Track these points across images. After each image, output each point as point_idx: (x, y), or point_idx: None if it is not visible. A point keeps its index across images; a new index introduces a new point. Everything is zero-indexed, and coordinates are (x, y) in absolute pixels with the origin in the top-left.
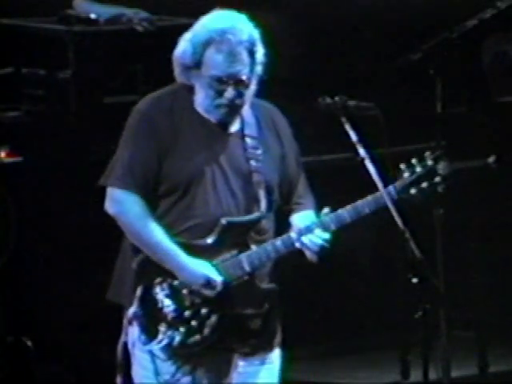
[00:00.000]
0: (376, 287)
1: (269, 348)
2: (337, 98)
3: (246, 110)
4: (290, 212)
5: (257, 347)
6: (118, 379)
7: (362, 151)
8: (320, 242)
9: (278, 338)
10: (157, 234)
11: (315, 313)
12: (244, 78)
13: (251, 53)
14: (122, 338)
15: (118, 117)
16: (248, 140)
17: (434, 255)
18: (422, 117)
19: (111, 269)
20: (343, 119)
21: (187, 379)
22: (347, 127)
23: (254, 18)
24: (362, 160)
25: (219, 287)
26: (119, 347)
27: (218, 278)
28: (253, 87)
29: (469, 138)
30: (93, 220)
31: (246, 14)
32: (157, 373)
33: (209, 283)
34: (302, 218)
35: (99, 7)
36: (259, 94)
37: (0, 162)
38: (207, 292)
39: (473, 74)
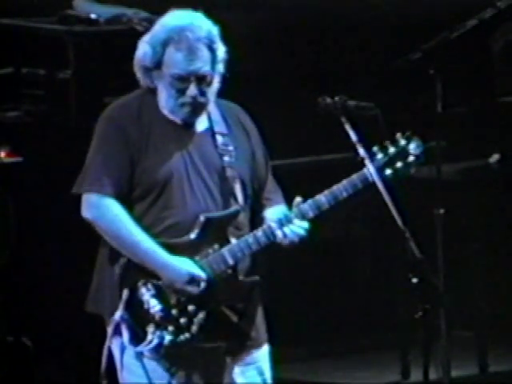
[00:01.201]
0: (376, 287)
1: (256, 344)
2: (337, 98)
3: (212, 109)
4: (260, 208)
5: (243, 343)
6: None
7: (361, 151)
8: (301, 232)
9: (264, 334)
10: (136, 234)
11: (315, 313)
12: (205, 74)
13: (211, 49)
14: (107, 343)
15: None
16: (218, 137)
17: (434, 255)
18: (421, 117)
19: None
20: (343, 119)
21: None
22: (347, 127)
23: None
24: (362, 160)
25: (203, 283)
26: (104, 354)
27: (201, 274)
28: (216, 85)
29: (469, 138)
30: None
31: (242, 13)
32: (148, 378)
33: (193, 280)
34: (274, 211)
35: (99, 7)
36: (245, 92)
37: (0, 161)
38: (192, 289)
39: (474, 73)
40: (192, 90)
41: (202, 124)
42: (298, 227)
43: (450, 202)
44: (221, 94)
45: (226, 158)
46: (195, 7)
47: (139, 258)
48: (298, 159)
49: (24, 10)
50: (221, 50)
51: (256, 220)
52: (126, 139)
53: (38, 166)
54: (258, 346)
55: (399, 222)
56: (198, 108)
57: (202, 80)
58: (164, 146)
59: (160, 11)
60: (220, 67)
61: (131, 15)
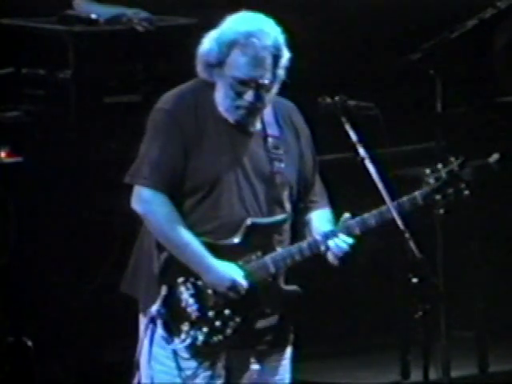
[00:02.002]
0: (376, 287)
1: (282, 347)
2: (337, 98)
3: (266, 109)
4: (305, 210)
5: (272, 345)
6: (137, 377)
7: (361, 151)
8: (345, 246)
9: (291, 337)
10: (185, 235)
11: (315, 313)
12: (266, 82)
13: (275, 57)
14: (141, 334)
15: (118, 117)
16: (270, 140)
17: (434, 255)
18: (421, 117)
19: (111, 268)
20: (343, 119)
21: (207, 374)
22: (347, 127)
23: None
24: (362, 160)
25: (244, 291)
26: (139, 345)
27: (243, 282)
28: (274, 91)
29: (469, 138)
30: (93, 219)
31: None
32: (179, 369)
33: (235, 286)
34: (319, 216)
35: (99, 7)
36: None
37: (0, 161)
38: (232, 295)
39: (474, 73)
40: (250, 94)
41: (255, 125)
42: (342, 241)
43: (450, 202)
44: None
45: (276, 164)
46: (196, 7)
47: (185, 258)
48: None
49: (24, 10)
50: (285, 58)
51: (298, 221)
52: (182, 133)
53: (38, 165)
54: (284, 347)
55: (399, 222)
56: (252, 112)
57: (261, 86)
58: (216, 145)
59: (160, 11)
60: (281, 73)
61: (131, 15)
